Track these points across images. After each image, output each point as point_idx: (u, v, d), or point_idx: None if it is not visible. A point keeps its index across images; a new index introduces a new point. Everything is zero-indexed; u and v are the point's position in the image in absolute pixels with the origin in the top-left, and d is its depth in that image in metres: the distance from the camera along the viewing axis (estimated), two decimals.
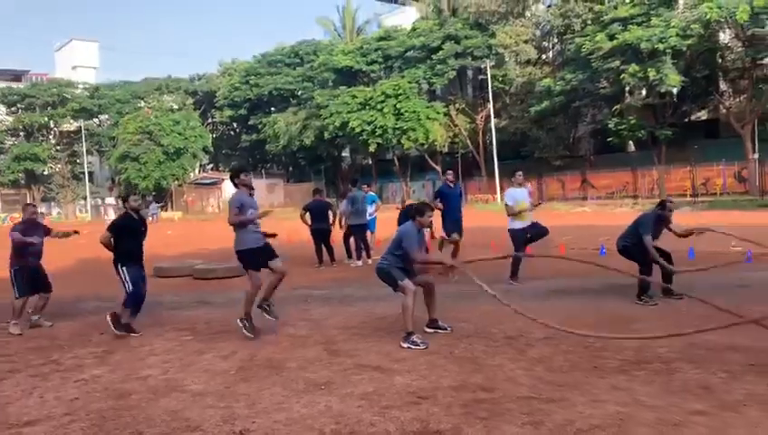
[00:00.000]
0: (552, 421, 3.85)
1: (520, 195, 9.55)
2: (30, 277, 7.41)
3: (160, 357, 5.88)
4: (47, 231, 7.73)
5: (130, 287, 6.90)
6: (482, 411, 4.07)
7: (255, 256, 6.59)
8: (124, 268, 6.93)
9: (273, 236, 7.41)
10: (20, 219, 7.82)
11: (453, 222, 10.59)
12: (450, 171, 11.47)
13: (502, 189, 35.55)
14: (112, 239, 7.04)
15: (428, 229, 8.34)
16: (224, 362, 5.58)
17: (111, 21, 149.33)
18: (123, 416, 4.29)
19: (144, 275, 7.21)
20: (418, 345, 5.72)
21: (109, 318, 6.77)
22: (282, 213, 37.88)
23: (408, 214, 11.60)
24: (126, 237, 7.05)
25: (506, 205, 9.60)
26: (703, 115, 39.88)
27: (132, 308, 6.97)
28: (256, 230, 6.68)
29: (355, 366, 5.26)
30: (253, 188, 7.08)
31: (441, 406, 4.21)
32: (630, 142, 37.85)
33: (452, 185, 10.88)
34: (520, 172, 9.95)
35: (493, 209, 30.18)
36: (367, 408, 4.23)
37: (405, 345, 5.77)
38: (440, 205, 10.48)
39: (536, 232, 9.45)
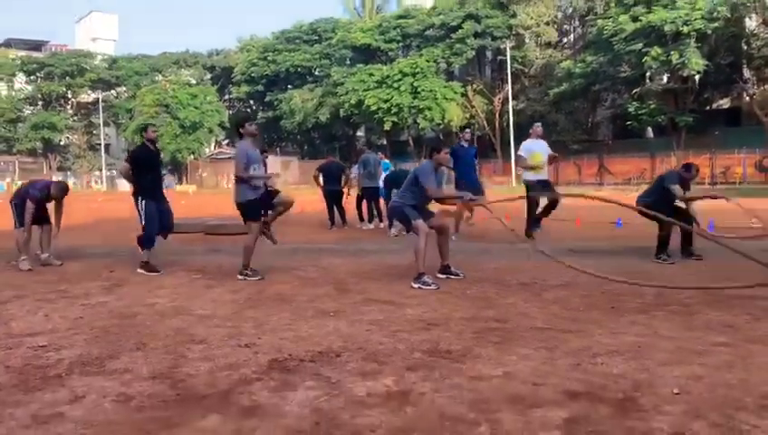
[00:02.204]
0: (568, 347, 3.71)
1: (536, 146, 9.29)
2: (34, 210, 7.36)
3: (169, 290, 5.80)
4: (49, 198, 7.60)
5: (143, 221, 6.87)
6: (494, 337, 3.95)
7: (255, 207, 6.45)
8: (143, 202, 6.87)
9: (276, 192, 7.32)
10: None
11: (469, 184, 10.25)
12: (468, 129, 10.92)
13: (518, 175, 35.31)
14: (131, 172, 7.00)
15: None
16: (232, 295, 5.49)
17: None
18: (127, 331, 4.21)
19: (167, 207, 7.14)
20: (429, 285, 5.60)
21: (141, 270, 6.74)
22: (295, 189, 37.92)
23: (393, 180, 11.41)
24: (144, 169, 6.99)
25: (518, 156, 9.35)
26: (725, 103, 39.27)
27: (149, 245, 6.90)
28: (257, 184, 6.51)
29: (365, 300, 5.15)
30: (266, 152, 6.81)
31: (452, 332, 4.09)
32: (649, 128, 37.36)
33: (466, 144, 10.31)
34: (539, 124, 9.69)
35: (508, 193, 29.90)
36: (376, 331, 4.12)
37: (416, 286, 5.64)
38: (450, 165, 10.08)
39: (549, 195, 9.18)
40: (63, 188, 7.62)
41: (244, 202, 6.43)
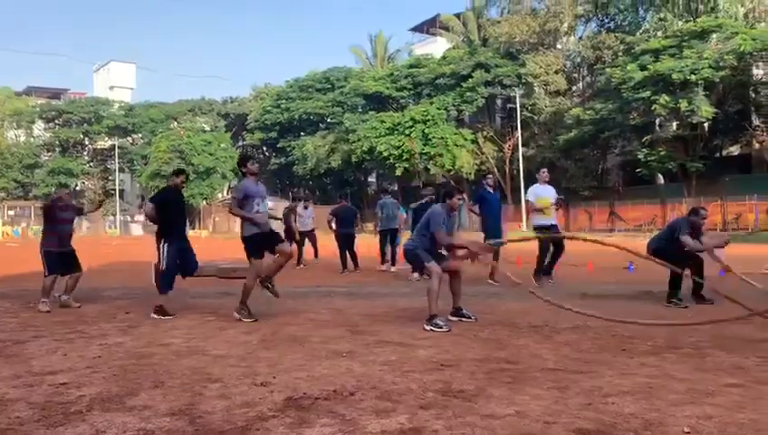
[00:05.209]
0: (579, 387, 3.75)
1: (543, 192, 9.44)
2: (61, 260, 7.50)
3: (183, 331, 5.88)
4: (79, 211, 7.86)
5: (164, 265, 6.93)
6: (506, 378, 3.99)
7: (259, 244, 6.52)
8: (165, 244, 6.93)
9: (279, 219, 7.44)
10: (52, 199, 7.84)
11: (494, 228, 10.27)
12: (490, 175, 10.92)
13: (528, 218, 35.36)
14: (155, 212, 7.10)
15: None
16: (246, 336, 5.56)
17: (149, 44, 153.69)
18: (145, 370, 4.28)
19: (189, 247, 7.22)
20: (441, 328, 5.65)
21: (154, 315, 6.72)
22: None
23: (415, 211, 11.50)
24: (169, 212, 7.09)
25: (527, 201, 9.50)
26: (735, 150, 39.43)
27: (166, 289, 6.97)
28: (261, 217, 6.59)
29: (377, 342, 5.21)
30: (256, 173, 6.96)
31: (465, 373, 4.13)
32: (660, 175, 37.47)
33: (491, 190, 10.37)
34: (545, 169, 9.86)
35: (520, 236, 29.88)
36: (389, 371, 4.17)
37: (428, 328, 5.69)
38: (477, 210, 10.15)
39: (555, 241, 9.24)
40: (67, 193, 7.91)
41: (247, 236, 6.54)
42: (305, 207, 13.97)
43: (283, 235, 13.06)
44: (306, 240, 13.78)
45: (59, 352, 4.92)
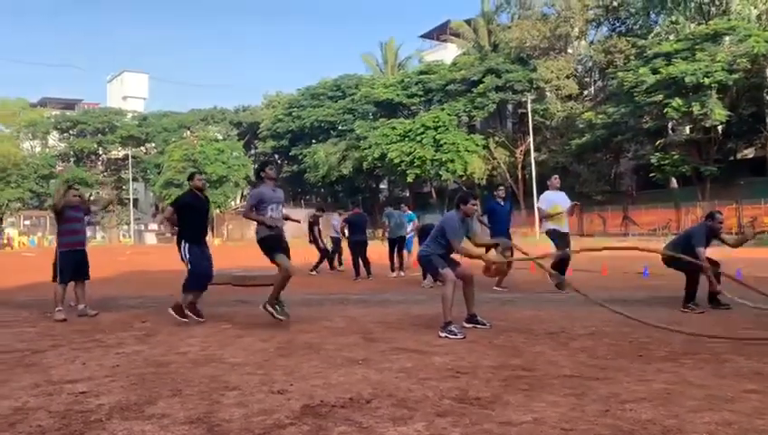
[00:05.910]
0: (596, 394, 3.73)
1: (556, 198, 9.39)
2: (74, 262, 7.59)
3: (200, 339, 5.92)
4: (87, 211, 7.98)
5: (189, 264, 6.98)
6: (522, 385, 3.99)
7: (274, 243, 6.58)
8: (186, 246, 6.99)
9: (297, 221, 7.43)
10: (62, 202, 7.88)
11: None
12: (502, 187, 10.83)
13: (540, 225, 35.17)
14: (176, 216, 7.16)
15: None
16: (262, 344, 5.59)
17: (162, 54, 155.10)
18: (163, 378, 4.32)
19: (209, 254, 7.25)
20: (456, 335, 5.65)
21: (171, 311, 6.83)
22: None
23: (425, 231, 11.56)
24: (190, 215, 7.15)
25: (539, 208, 9.46)
26: (749, 153, 39.05)
27: (194, 288, 7.04)
28: (273, 221, 6.65)
29: (392, 349, 5.22)
30: (274, 178, 7.02)
31: (481, 380, 4.13)
32: (673, 178, 37.19)
33: (502, 202, 10.17)
34: (556, 176, 9.83)
35: (532, 243, 29.79)
36: (405, 379, 4.18)
37: (442, 335, 5.70)
38: (486, 222, 10.03)
39: (561, 253, 9.09)
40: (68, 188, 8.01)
41: (261, 238, 6.61)
42: (339, 214, 15.36)
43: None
44: (334, 246, 14.69)
45: (77, 361, 4.97)
